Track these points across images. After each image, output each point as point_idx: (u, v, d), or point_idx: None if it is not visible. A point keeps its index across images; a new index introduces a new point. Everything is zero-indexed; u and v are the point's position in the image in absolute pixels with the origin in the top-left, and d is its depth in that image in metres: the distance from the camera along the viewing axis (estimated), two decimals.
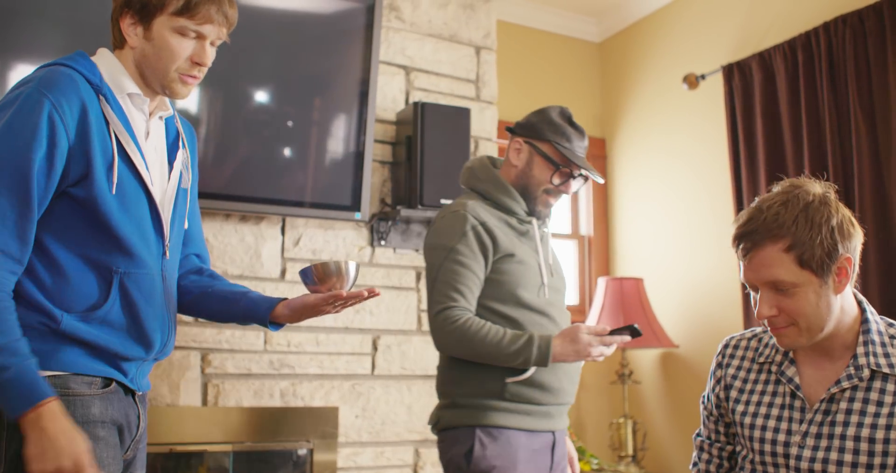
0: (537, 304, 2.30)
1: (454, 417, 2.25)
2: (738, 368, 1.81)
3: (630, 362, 4.29)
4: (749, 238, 1.63)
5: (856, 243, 1.64)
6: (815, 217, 1.59)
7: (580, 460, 3.85)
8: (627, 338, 2.18)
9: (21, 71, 2.62)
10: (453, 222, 2.26)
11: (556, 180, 2.33)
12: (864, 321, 1.67)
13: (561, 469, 2.32)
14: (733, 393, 1.79)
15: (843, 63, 3.43)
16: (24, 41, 2.64)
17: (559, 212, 4.79)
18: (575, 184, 2.37)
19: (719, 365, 1.85)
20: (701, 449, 1.89)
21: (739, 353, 1.83)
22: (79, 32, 2.69)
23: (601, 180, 2.39)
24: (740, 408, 1.76)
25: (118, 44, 1.70)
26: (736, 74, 3.89)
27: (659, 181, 4.34)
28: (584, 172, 2.33)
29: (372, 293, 1.74)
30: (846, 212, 1.65)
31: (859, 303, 1.70)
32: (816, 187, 1.66)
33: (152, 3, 1.63)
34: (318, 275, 1.74)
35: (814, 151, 3.50)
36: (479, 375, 2.23)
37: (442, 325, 2.19)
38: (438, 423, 2.30)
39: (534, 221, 2.38)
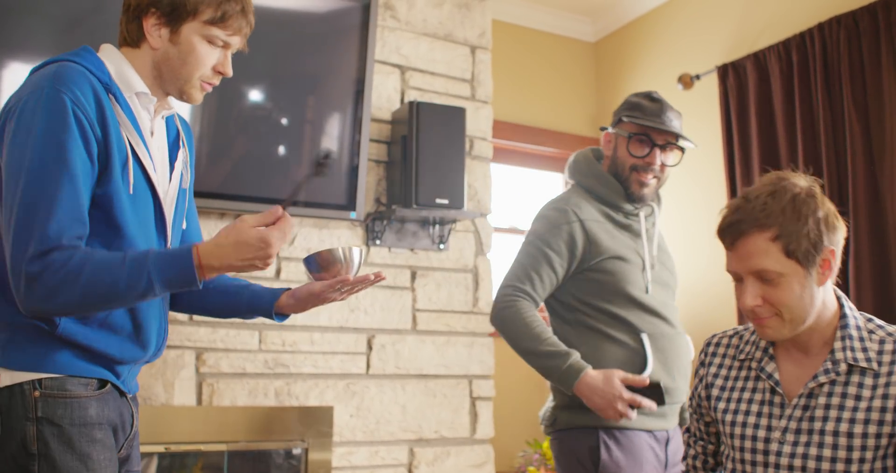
0: (649, 303, 2.28)
1: (574, 417, 2.22)
2: (720, 366, 1.83)
3: None
4: (736, 227, 1.65)
5: (839, 237, 1.66)
6: (802, 209, 1.61)
7: None
8: (654, 406, 2.11)
9: (13, 68, 2.62)
10: (555, 214, 2.28)
11: (635, 151, 2.29)
12: (842, 315, 1.68)
13: (674, 464, 2.28)
14: (714, 391, 1.81)
15: (838, 64, 3.44)
16: (17, 38, 2.63)
17: None
18: (662, 155, 2.31)
19: (702, 364, 1.88)
20: (688, 445, 1.93)
21: (721, 351, 1.85)
22: (71, 29, 2.69)
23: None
24: (721, 406, 1.78)
25: (133, 42, 1.65)
26: (731, 74, 3.90)
27: None
28: (666, 140, 2.28)
29: (378, 277, 1.72)
30: (831, 206, 1.67)
31: (838, 299, 1.72)
32: (802, 181, 1.68)
33: (186, 9, 1.60)
34: (322, 262, 1.71)
35: (808, 151, 3.51)
36: None
37: (501, 299, 2.23)
38: (556, 423, 2.27)
39: (640, 214, 2.36)
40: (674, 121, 2.30)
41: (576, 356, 2.14)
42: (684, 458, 1.94)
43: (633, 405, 2.10)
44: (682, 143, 2.34)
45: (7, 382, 1.51)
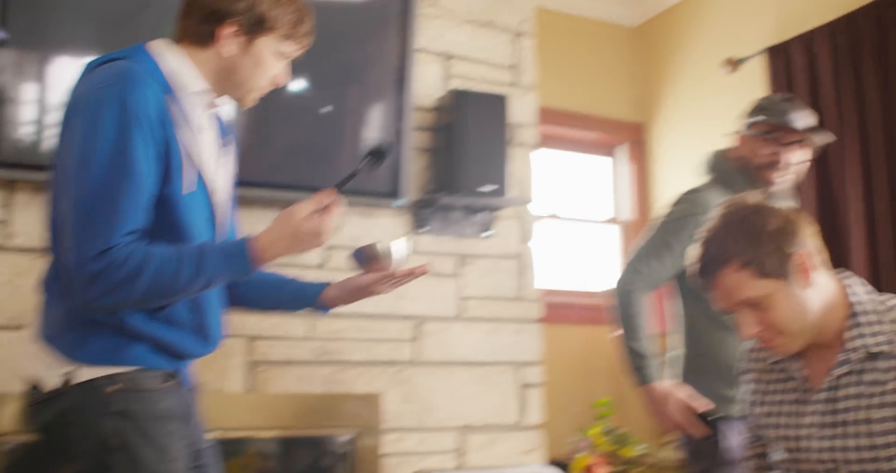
0: None
1: None
2: (757, 371, 1.85)
3: None
4: (705, 271, 1.67)
5: (803, 238, 1.64)
6: (752, 230, 1.62)
7: (624, 447, 3.84)
8: (697, 433, 2.25)
9: (60, 63, 2.66)
10: (688, 205, 2.41)
11: (763, 150, 2.37)
12: (850, 304, 1.66)
13: None
14: (754, 397, 1.83)
15: (892, 44, 3.36)
16: (64, 34, 2.68)
17: (601, 197, 4.77)
18: (791, 153, 2.37)
19: (742, 371, 1.90)
20: (747, 447, 1.95)
21: (757, 356, 1.86)
22: (118, 25, 2.72)
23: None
24: (758, 410, 1.80)
25: (200, 42, 1.64)
26: (778, 57, 3.83)
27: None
28: (793, 138, 2.35)
29: (423, 271, 1.77)
30: (781, 212, 1.66)
31: (845, 286, 1.69)
32: (748, 199, 1.70)
33: (266, 25, 1.63)
34: (371, 255, 1.75)
35: (860, 137, 3.44)
36: (719, 365, 2.33)
37: (624, 278, 2.37)
38: None
39: None
40: (801, 120, 2.36)
41: (654, 363, 2.30)
42: (743, 459, 1.96)
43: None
44: (813, 139, 2.38)
45: (81, 378, 1.53)
